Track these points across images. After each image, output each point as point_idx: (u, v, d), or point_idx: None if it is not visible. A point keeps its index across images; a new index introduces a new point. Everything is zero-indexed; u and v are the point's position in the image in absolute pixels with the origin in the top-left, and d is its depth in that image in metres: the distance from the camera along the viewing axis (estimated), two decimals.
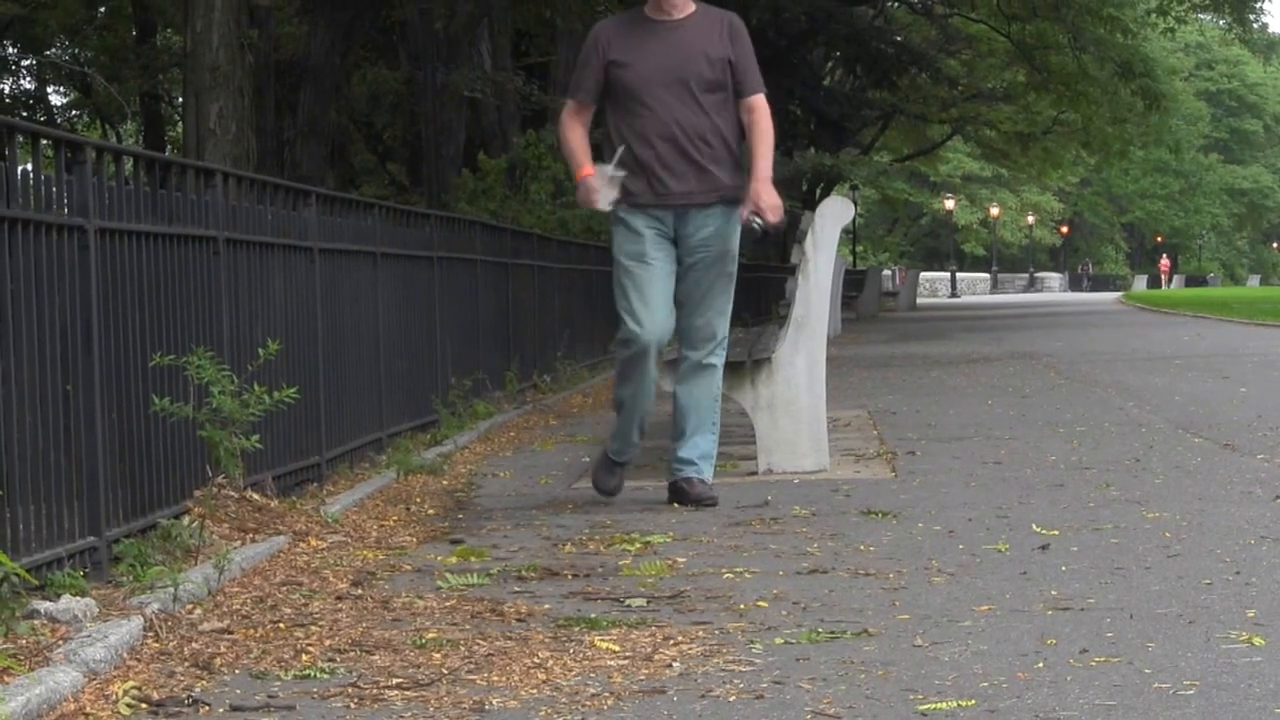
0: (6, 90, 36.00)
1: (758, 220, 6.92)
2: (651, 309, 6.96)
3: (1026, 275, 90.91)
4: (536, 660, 4.18)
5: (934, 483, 7.48)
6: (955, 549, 5.68)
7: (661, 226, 7.00)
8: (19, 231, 4.90)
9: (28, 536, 4.85)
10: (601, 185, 6.93)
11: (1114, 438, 9.16)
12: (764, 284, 32.42)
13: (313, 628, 4.67)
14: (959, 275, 77.96)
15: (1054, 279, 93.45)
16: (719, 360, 7.13)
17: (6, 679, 3.84)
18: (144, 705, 3.84)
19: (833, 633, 4.41)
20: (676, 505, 6.97)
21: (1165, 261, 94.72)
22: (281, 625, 4.72)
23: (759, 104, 7.06)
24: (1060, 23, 35.26)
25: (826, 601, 4.85)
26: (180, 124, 28.90)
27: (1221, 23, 52.93)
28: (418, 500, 7.46)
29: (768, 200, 6.91)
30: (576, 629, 4.55)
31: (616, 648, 4.30)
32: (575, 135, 7.15)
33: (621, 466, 7.24)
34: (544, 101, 24.70)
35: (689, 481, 6.99)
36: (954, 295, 72.36)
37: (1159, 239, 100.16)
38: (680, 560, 5.64)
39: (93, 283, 5.38)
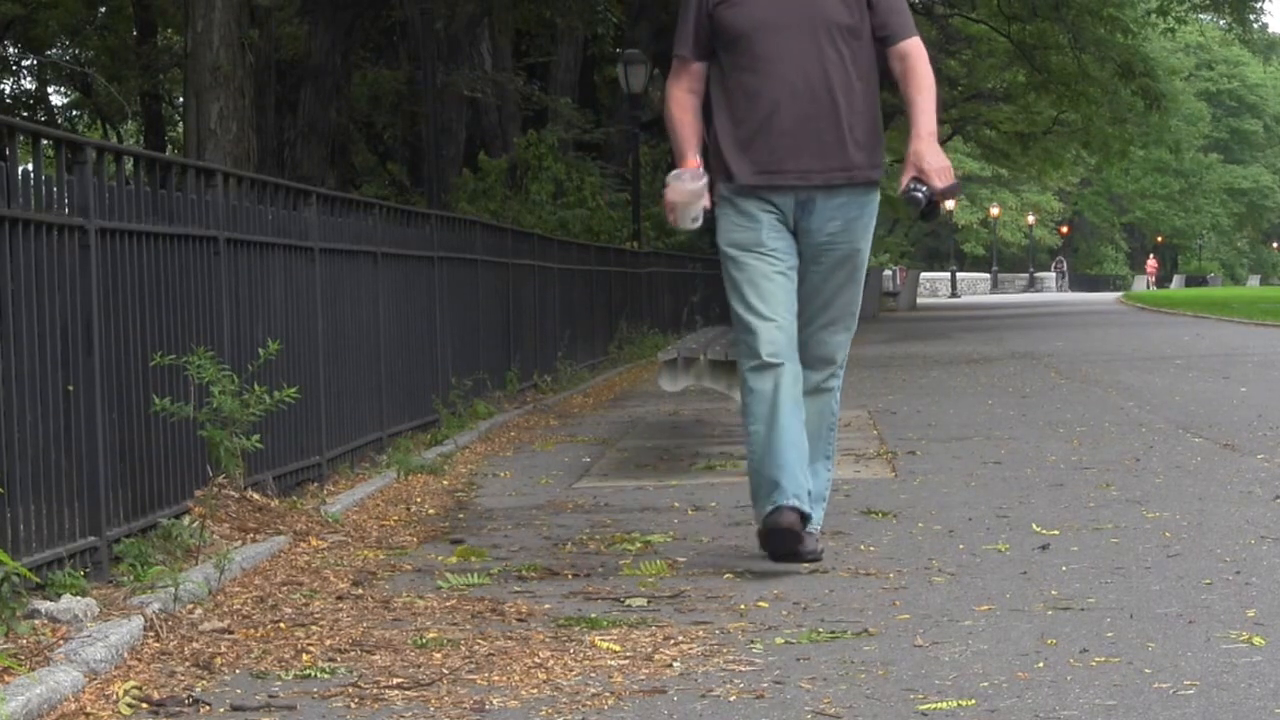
0: (7, 90, 36.00)
1: (921, 188, 5.42)
2: (778, 310, 5.44)
3: (1027, 275, 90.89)
4: (537, 660, 4.18)
5: (934, 482, 7.48)
6: (955, 549, 5.68)
7: (778, 212, 5.49)
8: (20, 231, 4.91)
9: (28, 536, 4.85)
10: (686, 196, 5.45)
11: (1114, 438, 9.17)
12: None
13: (313, 627, 4.67)
14: (959, 275, 77.95)
15: (1054, 279, 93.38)
16: (837, 384, 5.66)
17: (7, 679, 3.84)
18: (144, 705, 3.85)
19: (833, 632, 4.41)
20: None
21: (1153, 262, 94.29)
22: (282, 625, 4.72)
23: (914, 49, 5.53)
24: (1060, 23, 35.22)
25: (827, 601, 4.85)
26: (181, 124, 28.91)
27: (1221, 23, 52.94)
28: (418, 500, 7.46)
29: (933, 161, 5.39)
30: (577, 629, 4.55)
31: (617, 647, 4.30)
32: (679, 108, 5.57)
33: (780, 513, 5.29)
34: (544, 101, 24.72)
35: None
36: (954, 295, 72.36)
37: (1159, 239, 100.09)
38: (680, 560, 5.64)
39: (93, 282, 5.38)
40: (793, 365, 5.42)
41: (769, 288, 5.43)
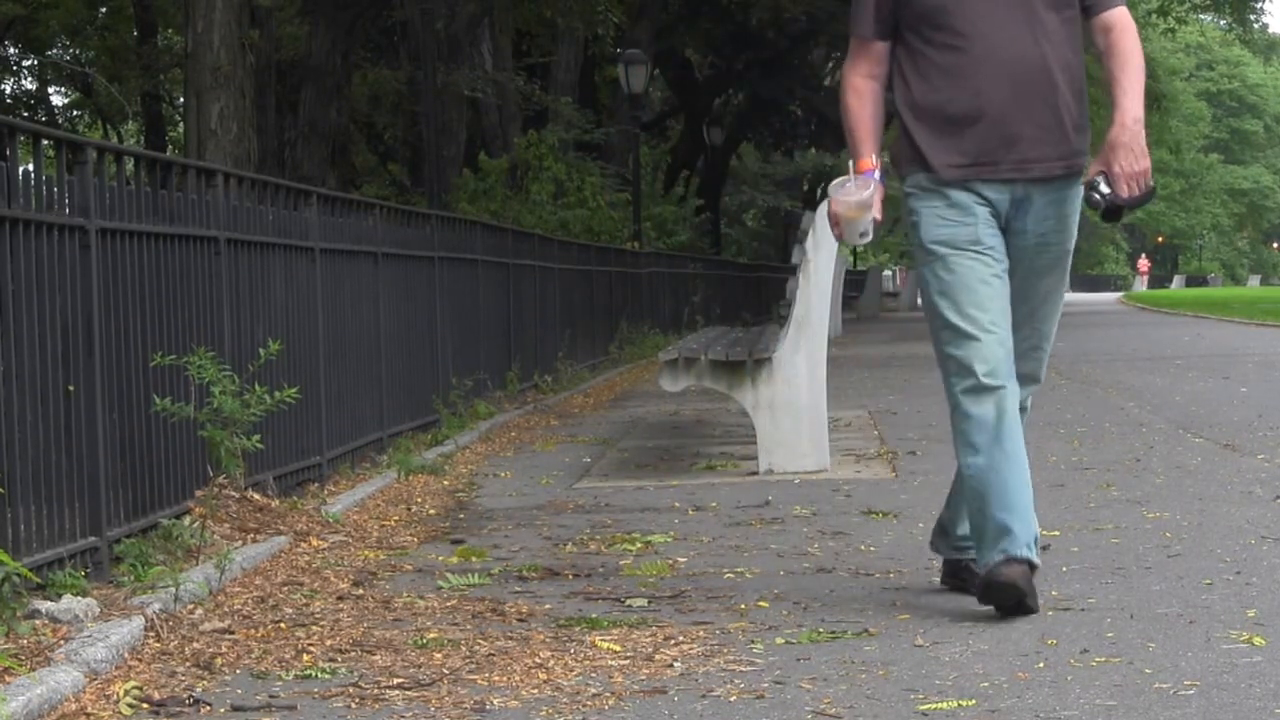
0: (8, 90, 36.01)
1: (1104, 190, 4.58)
2: (998, 320, 4.65)
3: None
4: (537, 660, 4.18)
5: (935, 483, 7.47)
6: None
7: (991, 206, 4.70)
8: (20, 231, 4.91)
9: (29, 536, 4.85)
10: (852, 209, 4.70)
11: (1114, 438, 9.17)
12: (764, 284, 32.42)
13: (314, 627, 4.67)
14: None
15: None
16: (1030, 403, 4.93)
17: (8, 679, 3.84)
18: (145, 705, 3.85)
19: (833, 632, 4.41)
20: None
21: (1144, 261, 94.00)
22: (282, 625, 4.72)
23: (1121, 19, 4.70)
24: None
25: (827, 601, 4.86)
26: (181, 124, 28.90)
27: (1222, 23, 52.97)
28: (419, 500, 7.46)
29: (1127, 165, 4.57)
30: (577, 629, 4.56)
31: (617, 648, 4.30)
32: (857, 98, 4.81)
33: (1010, 565, 4.54)
34: (544, 101, 24.72)
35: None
36: None
37: (1160, 239, 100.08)
38: (681, 560, 5.65)
39: (94, 283, 5.38)
40: (1013, 385, 4.65)
41: (986, 293, 4.64)
